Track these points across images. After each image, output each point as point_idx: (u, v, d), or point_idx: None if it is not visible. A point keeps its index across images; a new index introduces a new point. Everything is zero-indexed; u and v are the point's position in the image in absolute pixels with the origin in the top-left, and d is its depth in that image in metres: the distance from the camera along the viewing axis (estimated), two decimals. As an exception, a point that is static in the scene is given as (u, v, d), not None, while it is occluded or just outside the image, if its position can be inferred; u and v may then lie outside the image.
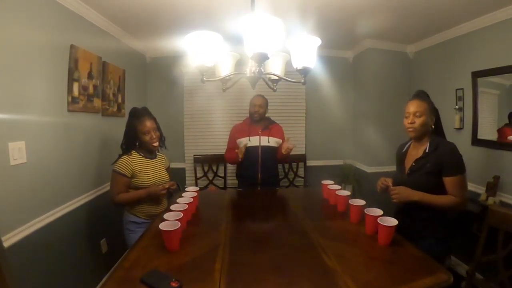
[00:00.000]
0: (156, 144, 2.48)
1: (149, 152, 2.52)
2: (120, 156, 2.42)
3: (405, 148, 2.21)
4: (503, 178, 2.84)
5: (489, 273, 2.06)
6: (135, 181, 2.38)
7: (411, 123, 2.02)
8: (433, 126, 2.04)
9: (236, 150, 3.21)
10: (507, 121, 2.87)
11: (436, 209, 1.92)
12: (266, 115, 3.39)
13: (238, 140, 3.32)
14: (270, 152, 3.27)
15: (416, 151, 2.09)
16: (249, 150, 3.23)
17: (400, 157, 2.21)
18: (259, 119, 3.27)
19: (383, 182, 2.17)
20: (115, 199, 2.35)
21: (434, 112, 2.03)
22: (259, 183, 3.25)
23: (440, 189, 1.92)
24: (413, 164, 2.04)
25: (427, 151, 1.99)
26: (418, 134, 2.03)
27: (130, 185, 2.38)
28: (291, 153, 3.20)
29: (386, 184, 2.14)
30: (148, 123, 2.42)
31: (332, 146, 4.81)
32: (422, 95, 2.05)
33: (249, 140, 3.25)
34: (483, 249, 1.96)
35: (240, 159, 3.18)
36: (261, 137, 3.25)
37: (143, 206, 2.43)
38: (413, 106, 2.01)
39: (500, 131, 2.93)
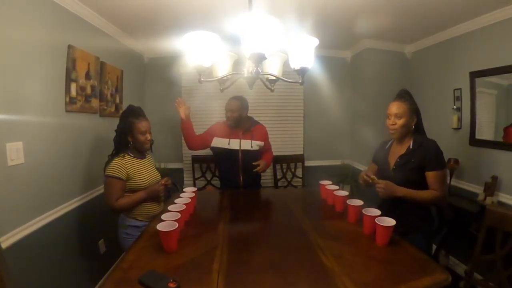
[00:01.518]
0: (148, 145, 2.46)
1: (139, 153, 2.47)
2: (110, 159, 2.34)
3: (388, 145, 2.30)
4: (501, 178, 2.84)
5: (487, 273, 2.07)
6: (131, 183, 2.32)
7: (392, 124, 2.10)
8: (413, 126, 2.13)
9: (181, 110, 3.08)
10: None
11: (419, 204, 2.03)
12: (249, 114, 3.32)
13: (217, 140, 3.19)
14: (252, 156, 3.17)
15: (399, 148, 2.17)
16: (229, 153, 3.14)
17: (384, 154, 2.29)
18: (234, 125, 3.15)
19: (366, 174, 2.19)
20: (115, 206, 2.24)
21: (415, 112, 2.12)
22: (241, 186, 3.17)
23: (424, 184, 2.04)
24: (398, 160, 2.12)
25: (411, 147, 2.08)
26: (399, 135, 2.12)
27: (125, 188, 2.31)
28: (290, 153, 3.16)
29: (369, 177, 2.14)
30: (146, 124, 2.41)
31: (330, 146, 4.80)
32: (404, 96, 2.13)
33: (228, 143, 3.13)
34: (481, 249, 1.96)
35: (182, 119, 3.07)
36: (242, 140, 3.15)
37: (143, 208, 2.38)
38: (394, 108, 2.10)
39: (506, 130, 2.89)
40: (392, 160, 2.18)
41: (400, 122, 2.07)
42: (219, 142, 3.17)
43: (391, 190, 2.01)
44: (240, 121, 3.16)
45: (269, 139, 3.48)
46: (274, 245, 1.81)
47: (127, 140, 2.40)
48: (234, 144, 3.14)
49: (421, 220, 2.10)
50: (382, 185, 2.01)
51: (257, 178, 3.35)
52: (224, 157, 3.18)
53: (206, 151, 4.49)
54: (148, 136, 2.42)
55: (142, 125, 2.38)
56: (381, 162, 2.30)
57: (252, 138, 3.17)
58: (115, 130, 2.43)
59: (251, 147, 3.15)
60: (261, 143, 3.24)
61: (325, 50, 4.51)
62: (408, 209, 2.05)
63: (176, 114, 4.49)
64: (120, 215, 2.40)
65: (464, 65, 3.26)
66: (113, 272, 1.48)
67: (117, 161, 2.29)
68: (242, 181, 3.17)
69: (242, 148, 3.13)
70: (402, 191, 2.00)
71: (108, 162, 2.33)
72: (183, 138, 3.15)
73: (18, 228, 2.01)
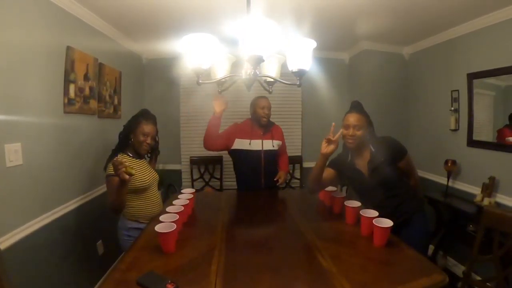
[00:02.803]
0: (145, 148, 2.42)
1: (137, 154, 2.45)
2: (109, 158, 2.31)
3: (349, 157, 2.28)
4: (499, 179, 2.85)
5: (485, 273, 2.07)
6: (132, 184, 2.25)
7: (351, 135, 2.13)
8: (368, 134, 2.19)
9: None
10: (507, 122, 2.85)
11: (403, 188, 2.20)
12: None
13: (238, 141, 3.07)
14: (273, 156, 3.12)
15: (361, 157, 2.23)
16: (251, 154, 3.04)
17: (351, 166, 2.27)
18: (266, 123, 3.08)
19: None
20: (109, 205, 2.17)
21: (371, 124, 2.22)
22: (263, 188, 3.06)
23: (400, 175, 2.20)
24: (369, 165, 2.16)
25: (373, 150, 2.16)
26: (356, 145, 2.16)
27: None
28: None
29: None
30: (151, 127, 2.41)
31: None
32: (360, 108, 2.23)
33: (249, 144, 3.03)
34: (479, 249, 1.97)
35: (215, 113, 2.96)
36: (264, 140, 3.07)
37: (144, 210, 2.37)
38: (353, 119, 2.14)
39: (499, 131, 2.92)
40: (363, 167, 2.20)
41: (359, 133, 2.11)
42: (240, 144, 3.06)
43: None
44: (268, 121, 3.11)
45: None
46: (272, 247, 1.82)
47: (129, 137, 2.40)
48: (256, 144, 3.04)
49: (411, 200, 2.19)
50: None
51: (276, 181, 3.16)
52: (246, 159, 3.06)
53: (204, 153, 4.53)
54: (148, 140, 2.40)
55: (147, 127, 2.38)
56: (352, 173, 2.27)
57: (272, 138, 3.11)
58: (124, 125, 2.47)
59: (273, 146, 3.09)
60: (280, 142, 3.19)
61: (323, 51, 4.52)
62: (396, 198, 2.15)
63: (176, 115, 4.55)
64: (120, 217, 2.38)
65: (462, 67, 3.27)
66: (112, 273, 1.48)
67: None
68: (263, 183, 3.06)
69: (264, 148, 3.05)
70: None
71: (109, 159, 2.29)
72: (205, 135, 3.01)
73: (17, 230, 2.01)
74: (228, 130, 3.16)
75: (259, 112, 3.03)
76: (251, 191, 3.06)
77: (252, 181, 3.08)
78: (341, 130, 2.13)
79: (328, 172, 2.31)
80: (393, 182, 2.15)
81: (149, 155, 2.63)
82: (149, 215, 2.36)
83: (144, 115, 2.43)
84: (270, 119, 3.14)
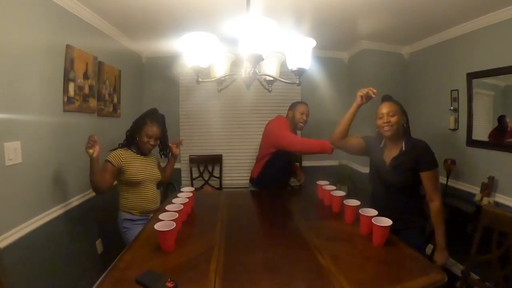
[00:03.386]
0: (147, 151, 2.57)
1: (140, 152, 2.56)
2: (117, 147, 2.51)
3: (382, 144, 2.27)
4: (498, 179, 2.85)
5: (484, 273, 2.07)
6: (125, 176, 2.43)
7: (386, 122, 2.09)
8: (405, 125, 2.15)
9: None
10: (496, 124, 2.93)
11: (414, 201, 2.16)
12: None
13: None
14: (296, 158, 3.41)
15: (391, 150, 2.19)
16: (287, 154, 3.08)
17: (379, 152, 2.27)
18: (302, 129, 3.24)
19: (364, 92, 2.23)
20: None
21: (405, 113, 2.16)
22: (287, 184, 3.37)
23: (416, 184, 2.12)
24: (392, 161, 2.14)
25: (403, 149, 2.11)
26: (393, 132, 2.10)
27: (114, 174, 2.41)
28: None
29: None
30: (155, 130, 2.50)
31: (328, 146, 4.80)
32: (391, 98, 2.22)
33: None
34: (477, 249, 1.97)
35: None
36: None
37: (136, 203, 2.48)
38: (385, 108, 2.13)
39: (491, 133, 2.99)
40: (387, 159, 2.18)
41: (393, 119, 2.08)
42: None
43: (444, 252, 2.07)
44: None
45: None
46: (271, 245, 1.82)
47: (135, 135, 2.52)
48: None
49: (416, 215, 2.15)
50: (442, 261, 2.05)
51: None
52: (282, 157, 3.09)
53: (203, 152, 4.54)
54: (151, 141, 2.50)
55: (151, 129, 2.48)
56: (376, 159, 2.29)
57: None
58: (133, 122, 2.57)
59: None
60: None
61: (322, 51, 4.52)
62: (403, 205, 2.13)
63: (175, 113, 4.54)
64: (119, 211, 2.50)
65: (461, 66, 3.27)
66: (111, 272, 1.48)
67: (118, 150, 2.46)
68: (288, 179, 3.39)
69: None
70: (442, 242, 2.07)
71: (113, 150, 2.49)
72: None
73: (16, 228, 2.01)
74: (286, 128, 3.10)
75: (297, 117, 3.13)
76: (278, 186, 3.21)
77: (281, 179, 3.29)
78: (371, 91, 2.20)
79: (358, 140, 2.44)
80: (406, 188, 2.12)
81: (163, 155, 2.80)
82: (142, 209, 2.49)
83: (150, 116, 2.52)
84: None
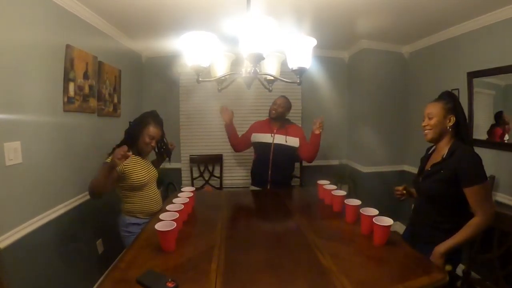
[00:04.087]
0: (148, 150, 2.51)
1: (139, 153, 2.50)
2: (112, 152, 2.28)
3: (431, 150, 2.06)
4: (499, 178, 2.85)
5: (484, 272, 2.07)
6: (130, 181, 2.34)
7: (424, 125, 1.91)
8: (450, 127, 1.85)
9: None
10: (493, 121, 2.96)
11: (447, 217, 1.82)
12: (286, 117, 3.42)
13: (254, 135, 3.36)
14: (286, 151, 3.25)
15: (436, 155, 1.94)
16: (262, 147, 3.28)
17: (425, 158, 2.07)
18: (275, 117, 3.28)
19: (398, 191, 2.09)
20: (89, 185, 2.19)
21: (452, 111, 1.84)
22: (269, 181, 3.22)
23: (454, 200, 1.79)
24: (429, 169, 1.92)
25: (444, 156, 1.83)
26: (432, 135, 1.89)
27: (119, 181, 2.33)
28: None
29: (401, 192, 2.05)
30: (157, 131, 2.47)
31: (328, 146, 4.79)
32: (441, 96, 1.91)
33: (263, 137, 3.29)
34: (478, 248, 1.97)
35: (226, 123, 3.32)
36: (276, 135, 3.25)
37: (143, 205, 2.41)
38: (427, 108, 1.91)
39: (490, 132, 3.00)
40: (428, 166, 1.97)
41: (431, 122, 1.86)
42: (255, 137, 3.35)
43: (443, 252, 1.72)
44: (281, 118, 3.31)
45: None
46: (272, 245, 1.82)
47: (136, 136, 2.43)
48: (268, 138, 3.27)
49: (445, 233, 1.81)
50: (439, 261, 1.71)
51: (287, 177, 3.40)
52: (258, 150, 3.36)
53: (204, 151, 4.54)
54: (153, 143, 2.47)
55: (154, 130, 2.45)
56: (421, 164, 2.09)
57: (286, 134, 3.26)
58: (130, 122, 2.54)
59: (286, 141, 3.23)
60: (296, 139, 3.27)
61: (323, 50, 4.51)
62: (432, 221, 1.87)
63: (175, 113, 4.55)
64: (121, 215, 2.42)
65: (462, 66, 3.27)
66: (111, 272, 1.48)
67: None
68: (270, 176, 3.22)
69: (275, 142, 3.23)
70: (444, 245, 1.73)
71: (111, 153, 2.29)
72: (230, 143, 3.46)
73: (16, 228, 2.01)
74: (250, 127, 3.49)
75: (271, 107, 3.32)
76: (259, 184, 3.30)
77: (260, 173, 3.30)
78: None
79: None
80: (442, 202, 1.83)
81: (166, 156, 2.76)
82: (147, 211, 2.42)
83: (154, 117, 2.49)
84: (260, 116, 3.53)
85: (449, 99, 1.86)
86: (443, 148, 1.87)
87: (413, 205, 2.09)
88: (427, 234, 1.89)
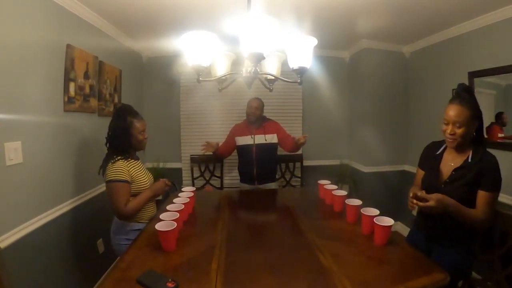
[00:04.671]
0: (144, 147, 2.39)
1: (136, 151, 2.39)
2: (106, 163, 2.18)
3: (441, 150, 1.97)
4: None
5: (485, 272, 2.07)
6: (134, 187, 2.21)
7: (450, 134, 1.78)
8: (474, 134, 1.82)
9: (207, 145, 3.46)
10: (493, 120, 2.96)
11: (460, 221, 1.74)
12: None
13: (237, 138, 3.53)
14: (267, 149, 3.47)
15: (454, 158, 1.88)
16: (245, 148, 3.48)
17: (434, 159, 1.97)
18: (254, 120, 3.45)
19: (413, 200, 1.78)
20: (125, 211, 2.09)
21: (477, 118, 1.77)
22: (255, 178, 3.45)
23: (473, 201, 1.76)
24: (453, 173, 1.83)
25: (469, 160, 1.78)
26: (458, 145, 1.80)
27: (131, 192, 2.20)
28: (289, 153, 3.28)
29: (417, 197, 1.79)
30: (143, 122, 2.33)
31: (328, 146, 4.81)
32: (465, 98, 1.75)
33: (244, 140, 3.49)
34: (479, 248, 1.96)
35: (212, 152, 3.52)
36: (256, 136, 3.45)
37: (147, 209, 2.31)
38: (453, 114, 1.74)
39: (487, 130, 2.95)
40: (446, 170, 1.89)
41: (459, 131, 1.73)
42: (238, 141, 3.54)
43: (444, 205, 1.67)
44: (258, 118, 3.49)
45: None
46: (273, 245, 1.82)
47: (128, 140, 2.25)
48: (248, 140, 3.47)
49: (464, 232, 1.82)
50: (433, 203, 1.66)
51: (271, 173, 3.64)
52: (242, 152, 3.56)
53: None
54: (145, 135, 2.35)
55: (140, 124, 2.29)
56: (429, 169, 2.01)
57: (264, 133, 3.47)
58: (110, 130, 2.27)
59: (265, 140, 3.46)
60: (274, 135, 3.50)
61: (323, 50, 4.51)
62: (455, 222, 1.77)
63: (176, 113, 4.55)
64: (114, 221, 2.28)
65: (463, 65, 3.26)
66: (112, 272, 1.48)
67: (119, 163, 2.15)
68: (255, 173, 3.44)
69: (256, 142, 3.44)
70: (454, 205, 1.68)
71: (105, 166, 2.17)
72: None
73: (17, 228, 2.01)
74: (229, 135, 3.67)
75: (247, 111, 3.48)
76: (246, 181, 3.52)
77: (246, 172, 3.52)
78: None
79: (419, 176, 2.08)
80: (466, 205, 1.73)
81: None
82: (148, 215, 2.33)
83: (131, 113, 2.30)
84: (268, 117, 3.63)
85: (473, 102, 1.75)
86: (465, 151, 1.83)
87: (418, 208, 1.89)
88: (452, 236, 1.84)
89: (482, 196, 1.72)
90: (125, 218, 2.16)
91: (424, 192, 1.75)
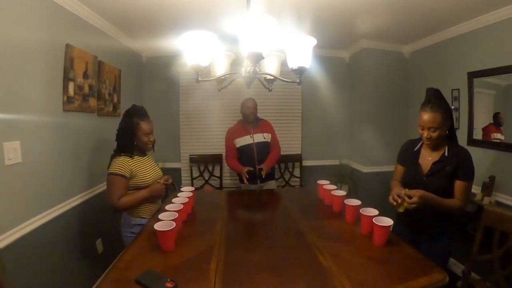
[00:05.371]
0: (150, 146, 2.43)
1: (141, 152, 2.43)
2: (112, 157, 2.30)
3: (418, 147, 2.13)
4: (499, 178, 2.84)
5: (485, 273, 2.07)
6: (135, 181, 2.28)
7: (427, 138, 1.94)
8: (448, 132, 1.99)
9: (242, 172, 3.33)
10: (491, 121, 3.01)
11: (440, 211, 1.92)
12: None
13: (236, 140, 3.53)
14: (265, 147, 3.53)
15: (430, 153, 2.04)
16: (246, 148, 3.49)
17: (413, 155, 2.12)
18: (252, 120, 3.50)
19: (397, 195, 1.94)
20: (116, 204, 2.16)
21: (449, 117, 1.94)
22: (258, 177, 3.42)
23: (451, 191, 1.94)
24: (433, 166, 1.99)
25: (446, 154, 1.95)
26: (435, 145, 1.99)
27: (128, 187, 2.26)
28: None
29: (400, 197, 1.93)
30: (150, 125, 2.38)
31: (328, 146, 4.81)
32: (435, 104, 1.91)
33: (244, 140, 3.50)
34: (478, 248, 1.96)
35: (244, 179, 3.31)
36: (254, 135, 3.49)
37: (146, 205, 2.34)
38: (427, 120, 1.90)
39: (485, 129, 3.05)
40: (425, 164, 2.04)
41: (435, 134, 1.90)
42: (237, 142, 3.54)
43: (425, 199, 1.83)
44: (255, 118, 3.54)
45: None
46: (272, 245, 1.81)
47: (131, 141, 2.32)
48: (248, 139, 3.50)
49: (450, 221, 1.99)
50: (417, 200, 1.81)
51: (271, 170, 3.60)
52: (242, 153, 3.54)
53: (203, 151, 4.54)
54: (151, 137, 2.40)
55: (146, 126, 2.34)
56: (409, 164, 2.15)
57: (262, 131, 3.53)
58: (118, 129, 2.36)
59: (264, 138, 3.53)
60: (270, 135, 3.58)
61: (323, 50, 4.51)
62: (436, 212, 1.93)
63: (175, 113, 4.55)
64: (123, 214, 2.35)
65: (462, 66, 3.26)
66: (111, 272, 1.48)
67: (122, 158, 2.24)
68: (258, 171, 3.42)
69: (255, 141, 3.49)
70: (434, 198, 1.85)
71: (112, 158, 2.29)
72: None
73: (16, 228, 2.00)
74: (227, 139, 3.63)
75: (245, 112, 3.50)
76: (249, 180, 3.35)
77: (248, 172, 3.38)
78: None
79: (399, 172, 2.25)
80: (446, 195, 1.91)
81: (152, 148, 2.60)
82: (151, 211, 2.37)
83: (137, 114, 2.35)
84: (260, 116, 3.65)
85: (443, 104, 1.93)
86: (441, 147, 2.00)
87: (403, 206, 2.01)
88: (438, 225, 2.00)
89: (459, 185, 1.92)
90: (117, 210, 2.23)
91: (407, 190, 1.91)
